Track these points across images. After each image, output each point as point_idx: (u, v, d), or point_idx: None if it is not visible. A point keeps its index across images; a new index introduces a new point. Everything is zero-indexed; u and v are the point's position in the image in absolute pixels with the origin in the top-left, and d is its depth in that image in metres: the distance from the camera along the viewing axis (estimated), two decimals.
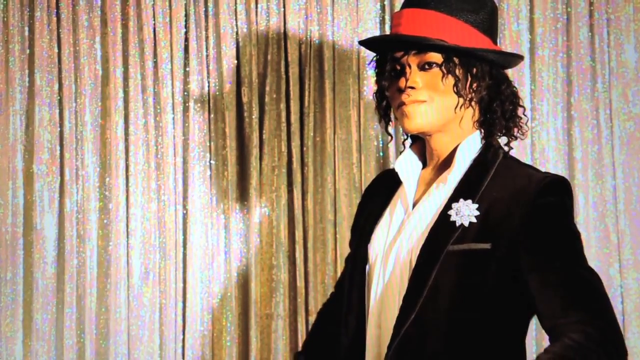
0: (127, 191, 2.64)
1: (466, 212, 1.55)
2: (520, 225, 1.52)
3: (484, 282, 1.53)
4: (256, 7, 2.64)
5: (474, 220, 1.54)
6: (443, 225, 1.57)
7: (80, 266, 2.63)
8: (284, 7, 2.64)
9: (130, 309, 2.61)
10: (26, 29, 2.68)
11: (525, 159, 2.59)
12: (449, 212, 1.57)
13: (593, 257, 2.59)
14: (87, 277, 2.62)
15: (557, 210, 1.54)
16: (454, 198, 1.59)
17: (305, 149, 2.63)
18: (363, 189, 2.59)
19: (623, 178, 2.62)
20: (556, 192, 1.56)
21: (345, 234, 2.60)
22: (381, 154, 2.64)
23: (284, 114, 2.64)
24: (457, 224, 1.55)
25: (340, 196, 2.62)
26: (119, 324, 2.61)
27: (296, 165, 2.63)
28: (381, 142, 2.63)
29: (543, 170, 2.47)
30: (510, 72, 2.49)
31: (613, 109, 2.62)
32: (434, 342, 1.53)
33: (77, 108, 2.66)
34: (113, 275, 2.62)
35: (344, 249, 2.54)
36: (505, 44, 2.63)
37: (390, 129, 1.78)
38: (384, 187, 1.81)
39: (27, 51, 2.69)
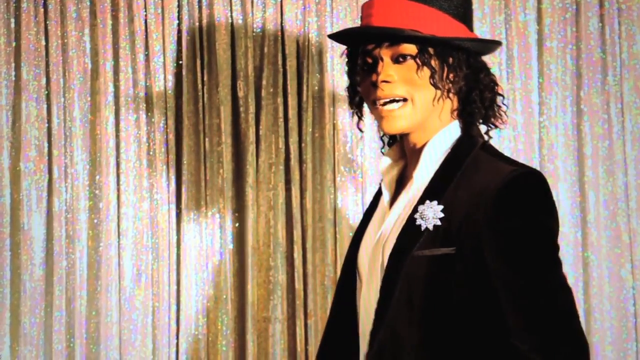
0: (118, 190, 2.61)
1: (430, 215, 1.50)
2: (482, 228, 1.45)
3: (452, 289, 1.47)
4: None
5: (439, 223, 1.48)
6: (409, 230, 1.51)
7: (69, 268, 2.60)
8: None
9: (122, 313, 2.59)
10: (12, 20, 2.65)
11: (533, 155, 2.58)
12: (415, 216, 1.52)
13: (604, 257, 2.57)
14: (77, 280, 2.59)
15: (521, 212, 1.45)
16: (421, 200, 1.53)
17: (303, 145, 2.61)
18: (365, 187, 2.62)
19: (635, 175, 2.60)
20: (522, 190, 1.46)
21: (345, 234, 2.60)
22: (383, 151, 2.53)
23: (281, 108, 2.61)
24: (422, 228, 1.49)
25: (340, 194, 2.60)
26: (110, 328, 2.58)
27: (294, 162, 2.60)
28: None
29: (551, 167, 2.54)
30: (517, 65, 2.58)
31: (624, 102, 2.61)
32: (408, 354, 1.49)
33: (66, 103, 2.63)
34: (104, 277, 2.59)
35: (344, 249, 2.52)
36: (512, 35, 2.62)
37: (369, 122, 1.76)
38: (379, 192, 1.76)
39: (13, 44, 2.65)
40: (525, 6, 2.62)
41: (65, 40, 2.63)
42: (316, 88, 2.62)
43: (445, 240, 1.47)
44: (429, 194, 1.54)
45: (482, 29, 2.59)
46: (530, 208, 1.46)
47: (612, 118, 2.60)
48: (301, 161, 2.61)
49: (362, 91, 1.63)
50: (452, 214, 1.49)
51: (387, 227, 1.60)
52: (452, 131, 1.61)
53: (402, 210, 1.59)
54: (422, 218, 1.51)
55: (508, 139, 2.58)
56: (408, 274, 1.48)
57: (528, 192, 1.47)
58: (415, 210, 1.53)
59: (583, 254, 2.59)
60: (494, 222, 1.44)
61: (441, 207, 1.50)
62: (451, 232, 1.47)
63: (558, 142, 2.59)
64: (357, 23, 2.55)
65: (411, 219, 1.52)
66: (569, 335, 1.42)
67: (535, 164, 2.54)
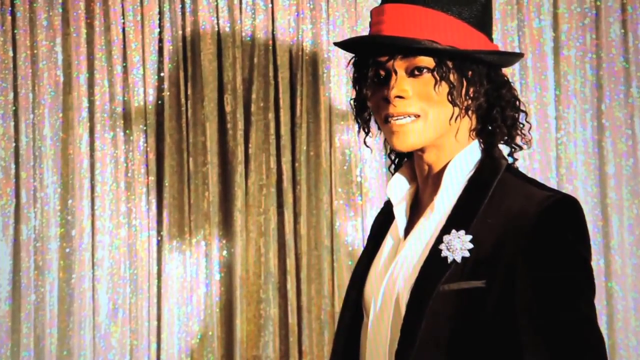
0: (93, 215, 2.55)
1: (458, 246, 1.47)
2: (517, 257, 1.42)
3: (481, 325, 1.43)
4: (240, 3, 2.58)
5: (467, 254, 1.46)
6: (434, 262, 1.48)
7: (38, 302, 2.53)
8: (272, 3, 2.57)
9: (97, 352, 2.52)
10: None
11: (550, 175, 2.57)
12: (440, 247, 1.48)
13: (629, 287, 2.56)
14: (47, 315, 2.52)
15: (561, 243, 1.43)
16: (446, 229, 1.50)
17: (297, 164, 2.57)
18: (365, 210, 2.56)
19: None
20: (561, 219, 1.44)
21: (343, 262, 2.54)
22: (384, 169, 2.56)
23: (272, 125, 2.56)
24: (449, 260, 1.46)
25: (338, 219, 2.54)
26: None
27: (287, 183, 2.55)
28: (384, 157, 2.53)
29: (570, 187, 2.52)
30: (531, 76, 2.57)
31: None
32: None
33: (35, 120, 2.56)
34: (76, 313, 2.52)
35: (343, 280, 2.52)
36: (526, 43, 2.62)
37: (370, 140, 1.71)
38: (385, 215, 1.72)
39: None
40: (540, 11, 2.57)
41: (35, 51, 2.56)
42: (311, 102, 2.57)
43: (474, 272, 1.44)
44: (454, 223, 1.49)
45: (492, 37, 2.44)
46: (570, 238, 1.43)
47: (637, 134, 2.54)
48: (295, 182, 2.56)
49: (372, 106, 1.58)
50: (482, 244, 1.46)
51: (404, 258, 1.55)
52: (473, 153, 1.57)
53: (422, 240, 1.54)
54: (448, 249, 1.47)
55: (522, 157, 2.49)
56: (434, 311, 1.44)
57: (568, 220, 1.44)
58: (439, 240, 1.49)
59: (606, 283, 2.52)
60: (531, 251, 1.41)
61: (470, 237, 1.46)
62: (481, 264, 1.44)
63: (577, 161, 2.54)
64: (355, 30, 2.60)
65: (435, 250, 1.48)
66: None
67: (552, 185, 2.48)
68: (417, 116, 1.52)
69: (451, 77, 1.51)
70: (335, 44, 1.63)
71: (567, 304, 1.39)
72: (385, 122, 1.54)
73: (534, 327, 1.40)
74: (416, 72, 1.51)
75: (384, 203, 1.82)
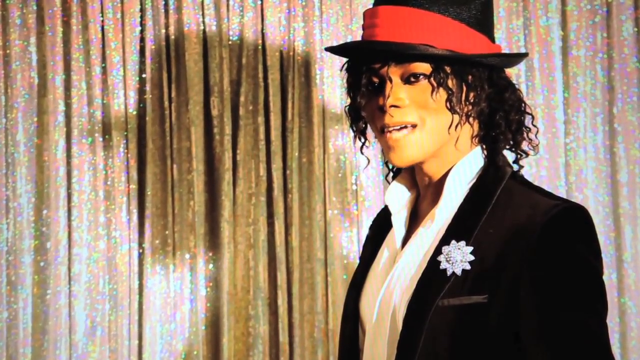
0: (69, 226, 2.53)
1: (458, 258, 1.45)
2: (521, 269, 1.40)
3: (484, 343, 1.42)
4: (227, 0, 2.57)
5: (468, 267, 1.44)
6: (432, 274, 1.46)
7: (11, 320, 2.51)
8: None
9: None
10: None
11: (559, 183, 2.58)
12: (439, 258, 1.46)
13: None
14: (20, 334, 2.50)
15: (568, 254, 1.41)
16: (445, 239, 1.49)
17: (288, 172, 2.56)
18: (360, 221, 2.56)
19: None
20: (568, 229, 1.41)
21: (338, 276, 2.53)
22: (381, 176, 2.53)
23: (262, 129, 2.56)
24: (448, 273, 1.45)
25: (332, 230, 2.54)
26: None
27: (278, 192, 2.54)
28: (381, 164, 2.51)
29: (580, 196, 2.48)
30: (538, 77, 2.53)
31: None
32: None
33: (8, 125, 2.54)
34: (51, 331, 2.50)
35: (337, 295, 2.52)
36: (532, 43, 2.63)
37: (367, 150, 1.69)
38: (383, 224, 1.70)
39: None
40: (547, 9, 2.55)
41: (8, 51, 2.54)
42: (303, 105, 2.56)
43: (475, 286, 1.42)
44: (454, 233, 1.48)
45: (496, 36, 2.44)
46: (578, 249, 1.40)
47: None
48: (286, 191, 2.55)
49: (367, 115, 1.55)
50: (484, 256, 1.44)
51: (400, 270, 1.53)
52: (475, 160, 1.55)
53: (420, 251, 1.53)
54: (447, 261, 1.45)
55: (529, 163, 2.49)
56: (433, 327, 1.43)
57: (576, 230, 1.41)
58: (438, 251, 1.47)
59: (619, 299, 2.50)
60: (536, 264, 1.39)
61: (470, 248, 1.44)
62: (482, 277, 1.42)
63: (587, 168, 2.54)
64: (350, 29, 2.56)
65: (434, 262, 1.46)
66: None
67: (560, 193, 2.44)
68: (414, 126, 1.50)
69: (449, 82, 1.49)
70: (327, 49, 1.62)
71: (569, 305, 1.37)
72: (381, 132, 1.53)
73: (534, 327, 1.38)
74: (412, 79, 1.49)
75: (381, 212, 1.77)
